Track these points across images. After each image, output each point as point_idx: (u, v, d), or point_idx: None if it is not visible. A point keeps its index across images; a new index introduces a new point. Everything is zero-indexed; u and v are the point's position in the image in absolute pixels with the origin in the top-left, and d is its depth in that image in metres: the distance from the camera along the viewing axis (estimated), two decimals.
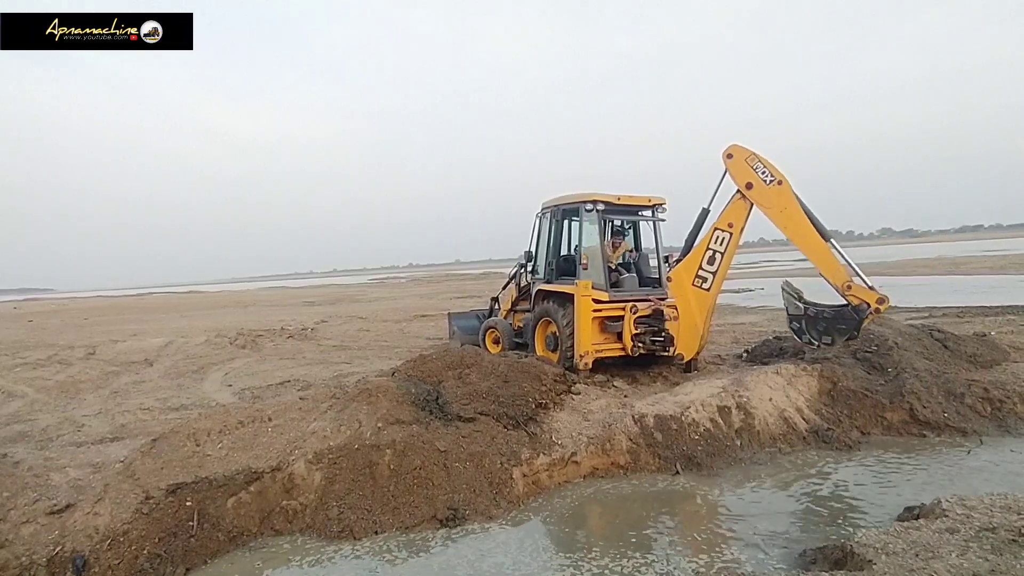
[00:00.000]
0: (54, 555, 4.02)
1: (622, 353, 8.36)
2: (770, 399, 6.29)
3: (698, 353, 8.13)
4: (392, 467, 4.84)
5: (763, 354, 8.44)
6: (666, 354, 8.13)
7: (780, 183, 7.19)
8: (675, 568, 3.85)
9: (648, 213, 9.13)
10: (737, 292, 23.23)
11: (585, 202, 8.41)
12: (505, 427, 5.52)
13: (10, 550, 4.03)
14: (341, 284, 70.25)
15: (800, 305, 7.23)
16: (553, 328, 8.62)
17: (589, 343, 8.05)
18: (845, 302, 6.88)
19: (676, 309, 7.92)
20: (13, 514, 4.33)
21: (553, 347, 8.64)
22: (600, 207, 8.36)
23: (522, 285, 10.04)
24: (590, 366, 8.08)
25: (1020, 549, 3.12)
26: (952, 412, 6.17)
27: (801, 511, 4.66)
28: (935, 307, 14.33)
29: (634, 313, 8.14)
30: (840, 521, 4.35)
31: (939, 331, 7.88)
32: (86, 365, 12.22)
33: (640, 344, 8.19)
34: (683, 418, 5.79)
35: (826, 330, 7.00)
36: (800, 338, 7.34)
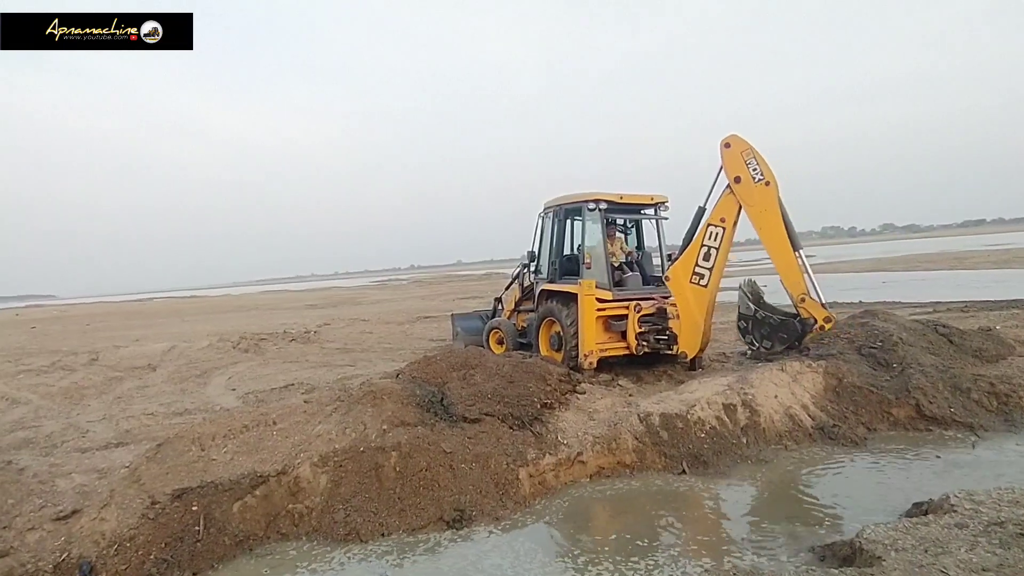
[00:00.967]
0: (60, 561, 4.02)
1: (626, 352, 8.36)
2: (775, 396, 6.27)
3: (702, 351, 8.12)
4: (398, 469, 4.83)
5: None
6: (670, 352, 8.12)
7: (768, 184, 7.24)
8: (683, 567, 3.83)
9: (651, 211, 9.13)
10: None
11: (587, 201, 8.41)
12: (511, 428, 5.51)
13: (16, 557, 4.02)
14: (343, 287, 70.30)
15: (751, 306, 7.41)
16: (557, 328, 8.62)
17: (593, 342, 8.05)
18: (796, 312, 7.12)
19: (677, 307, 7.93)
20: (19, 521, 4.33)
21: (557, 347, 8.63)
22: (602, 206, 8.36)
23: (525, 285, 10.04)
24: (595, 365, 8.07)
25: None
26: (959, 407, 6.14)
27: (808, 508, 4.64)
28: (939, 302, 14.29)
29: (638, 312, 8.14)
30: (848, 517, 4.32)
31: (944, 326, 7.84)
32: (89, 371, 12.23)
33: (644, 343, 8.19)
34: (689, 416, 5.77)
35: (768, 335, 7.28)
36: (743, 337, 7.57)
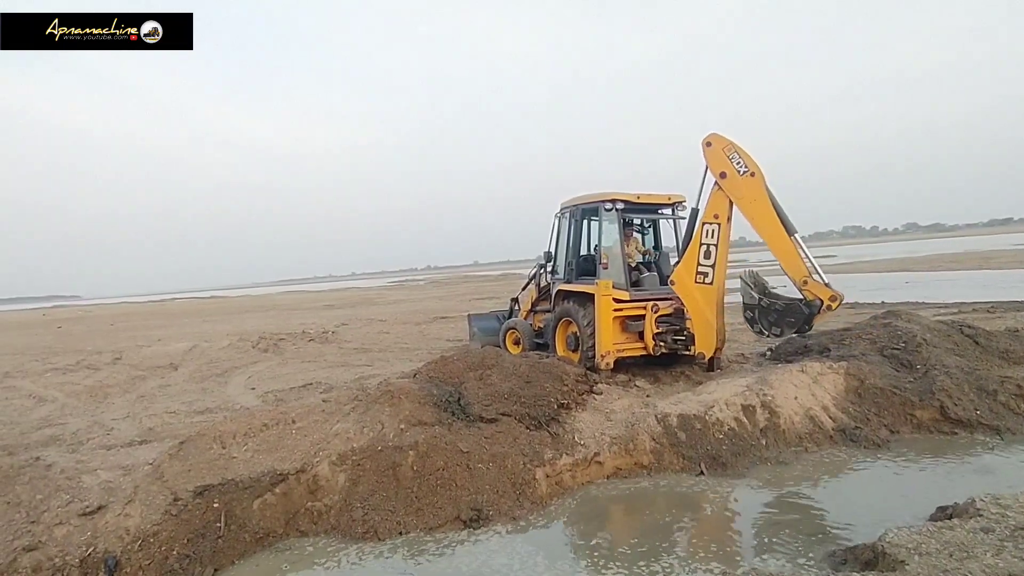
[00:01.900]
0: (87, 556, 4.09)
1: (644, 352, 8.32)
2: (795, 397, 6.19)
3: (719, 351, 8.05)
4: (415, 468, 4.86)
5: (787, 352, 8.31)
6: (688, 353, 8.06)
7: (753, 174, 7.26)
8: (700, 569, 3.80)
9: (668, 211, 9.07)
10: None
11: (604, 201, 8.38)
12: (527, 428, 5.51)
13: (44, 551, 4.11)
14: (360, 287, 70.81)
15: (755, 295, 7.41)
16: (574, 328, 8.60)
17: (610, 343, 8.02)
18: (801, 296, 7.10)
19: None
20: (47, 516, 4.42)
21: (574, 347, 8.61)
22: (619, 206, 8.33)
23: (542, 285, 10.03)
24: (612, 366, 8.04)
25: None
26: (984, 409, 6.02)
27: (829, 511, 4.58)
28: (964, 302, 14.01)
29: (655, 312, 8.10)
30: (870, 521, 4.25)
31: (969, 327, 7.69)
32: (113, 370, 12.47)
33: (662, 343, 8.15)
34: (707, 417, 5.72)
35: (776, 322, 7.26)
36: (752, 327, 7.55)
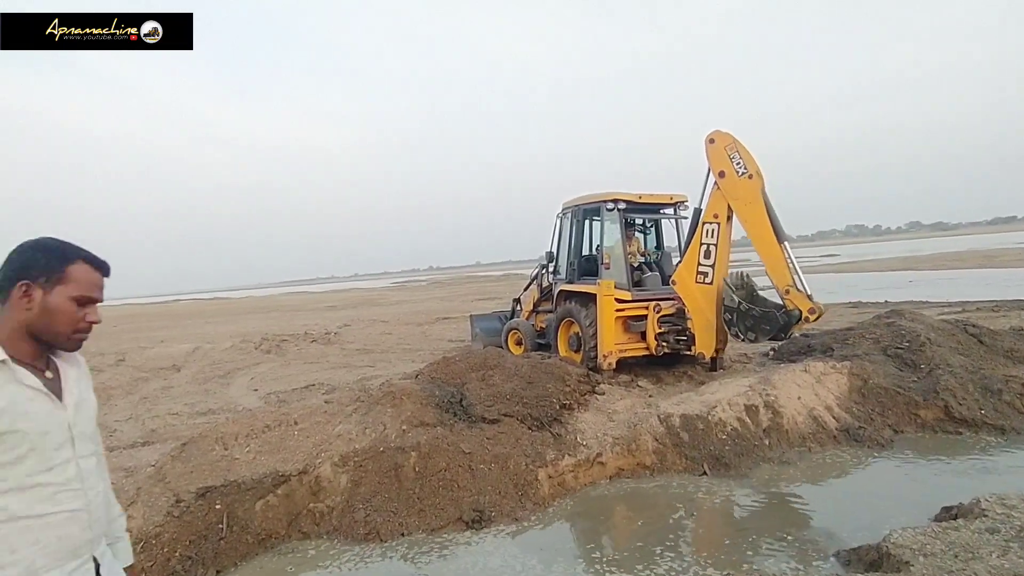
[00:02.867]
0: None
1: (646, 353, 8.31)
2: (799, 397, 6.17)
3: (720, 350, 8.04)
4: (417, 469, 4.85)
5: (790, 352, 8.30)
6: (690, 353, 8.06)
7: (751, 177, 7.26)
8: (703, 570, 3.78)
9: (670, 211, 9.07)
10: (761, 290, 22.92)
11: (606, 201, 8.38)
12: (530, 428, 5.50)
13: None
14: (362, 288, 70.86)
15: (735, 299, 7.43)
16: (576, 328, 8.59)
17: (612, 343, 8.01)
18: (782, 304, 7.16)
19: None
20: None
21: (576, 347, 8.61)
22: (621, 206, 8.32)
23: (544, 286, 10.03)
24: (614, 366, 8.03)
25: None
26: (989, 409, 5.99)
27: (833, 511, 4.55)
28: (968, 301, 13.96)
29: (657, 312, 8.09)
30: (874, 521, 4.23)
31: (974, 325, 7.66)
32: (116, 371, 12.49)
33: (664, 343, 8.14)
34: (710, 417, 5.71)
35: (752, 327, 7.27)
36: (728, 329, 7.57)
